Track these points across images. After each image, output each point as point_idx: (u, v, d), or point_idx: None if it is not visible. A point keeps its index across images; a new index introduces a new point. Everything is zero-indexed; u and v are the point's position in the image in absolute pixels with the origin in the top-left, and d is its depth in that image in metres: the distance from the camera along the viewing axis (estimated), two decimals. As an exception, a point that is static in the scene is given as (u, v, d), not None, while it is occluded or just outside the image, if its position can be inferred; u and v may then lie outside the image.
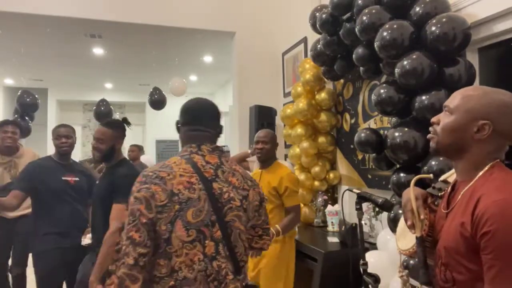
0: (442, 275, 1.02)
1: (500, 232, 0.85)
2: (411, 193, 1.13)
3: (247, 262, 1.35)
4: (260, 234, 1.45)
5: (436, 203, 1.16)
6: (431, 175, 1.27)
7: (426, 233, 1.08)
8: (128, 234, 1.15)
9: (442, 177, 1.21)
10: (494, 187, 0.93)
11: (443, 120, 1.05)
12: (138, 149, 5.87)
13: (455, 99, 1.04)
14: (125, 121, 2.35)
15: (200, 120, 1.36)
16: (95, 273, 2.00)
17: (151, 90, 6.01)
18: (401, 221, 1.28)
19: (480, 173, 0.99)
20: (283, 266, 2.50)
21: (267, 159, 2.65)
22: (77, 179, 2.66)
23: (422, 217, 1.08)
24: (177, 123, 1.41)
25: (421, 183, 1.20)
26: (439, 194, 1.15)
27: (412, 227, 1.08)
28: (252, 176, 1.43)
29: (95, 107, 5.88)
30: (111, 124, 2.30)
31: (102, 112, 5.79)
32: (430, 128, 1.09)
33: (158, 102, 5.95)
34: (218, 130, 1.42)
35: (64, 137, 2.61)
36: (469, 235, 0.92)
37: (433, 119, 1.08)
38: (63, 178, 2.60)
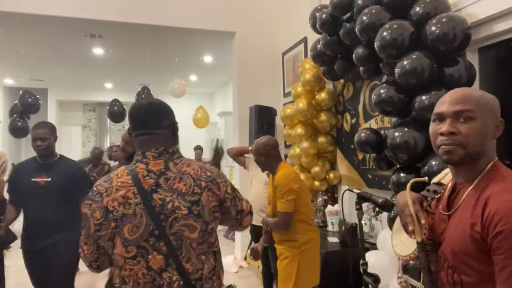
0: (450, 278, 1.01)
1: None
2: (407, 197, 1.10)
3: (208, 265, 1.23)
4: (240, 218, 1.37)
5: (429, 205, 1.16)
6: (425, 178, 1.25)
7: (427, 237, 1.06)
8: (80, 244, 1.23)
9: (435, 179, 1.19)
10: (503, 187, 0.92)
11: (466, 127, 0.97)
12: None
13: (468, 102, 0.98)
14: None
15: (145, 122, 1.25)
16: None
17: (139, 89, 5.98)
18: (396, 225, 1.25)
19: (483, 173, 0.98)
20: (293, 267, 2.45)
21: (268, 169, 2.60)
22: (48, 179, 2.46)
23: (423, 221, 1.05)
24: (129, 130, 1.34)
25: (414, 186, 1.18)
26: (435, 196, 1.13)
27: (412, 232, 1.06)
28: (213, 174, 1.28)
29: (108, 107, 5.92)
30: None
31: (115, 111, 5.83)
32: (445, 140, 0.99)
33: None
34: (171, 128, 1.30)
35: (39, 139, 2.46)
36: (480, 236, 0.91)
37: (449, 129, 0.98)
38: (33, 179, 2.46)
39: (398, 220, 1.21)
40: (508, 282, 0.85)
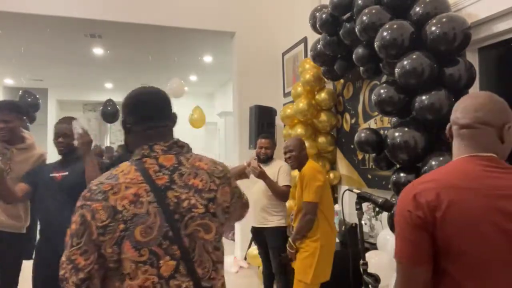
0: None
1: None
2: None
3: (220, 278, 1.12)
4: (244, 212, 1.35)
5: None
6: None
7: None
8: (71, 257, 1.00)
9: None
10: None
11: None
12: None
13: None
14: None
15: (153, 113, 1.15)
16: None
17: None
18: None
19: None
20: (313, 261, 2.55)
21: (299, 164, 2.74)
22: (65, 173, 2.25)
23: None
24: (125, 123, 1.17)
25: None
26: None
27: None
28: (224, 168, 1.20)
29: (101, 107, 5.90)
30: None
31: (109, 112, 5.80)
32: None
33: None
34: (174, 120, 1.20)
35: (62, 135, 2.26)
36: None
37: None
38: (51, 175, 2.26)
39: None
40: None
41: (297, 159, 2.71)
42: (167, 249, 1.02)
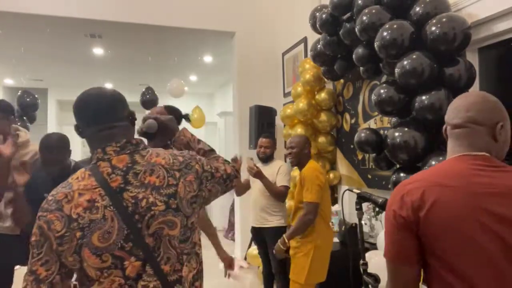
0: None
1: None
2: None
3: (191, 270, 1.11)
4: (229, 186, 1.27)
5: None
6: None
7: None
8: (32, 268, 0.99)
9: None
10: None
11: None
12: None
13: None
14: (185, 117, 2.06)
15: (107, 115, 1.11)
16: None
17: (143, 90, 5.98)
18: None
19: None
20: (306, 262, 2.55)
21: (299, 162, 2.74)
22: None
23: None
24: (77, 128, 1.14)
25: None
26: None
27: None
28: (185, 159, 1.15)
29: None
30: (171, 110, 1.99)
31: None
32: None
33: (149, 102, 5.89)
34: (131, 118, 1.17)
35: (52, 165, 2.16)
36: None
37: None
38: (45, 194, 2.21)
39: None
40: None
41: (297, 156, 2.71)
42: (130, 251, 1.01)
